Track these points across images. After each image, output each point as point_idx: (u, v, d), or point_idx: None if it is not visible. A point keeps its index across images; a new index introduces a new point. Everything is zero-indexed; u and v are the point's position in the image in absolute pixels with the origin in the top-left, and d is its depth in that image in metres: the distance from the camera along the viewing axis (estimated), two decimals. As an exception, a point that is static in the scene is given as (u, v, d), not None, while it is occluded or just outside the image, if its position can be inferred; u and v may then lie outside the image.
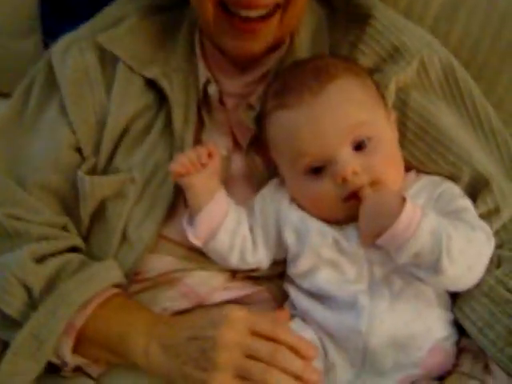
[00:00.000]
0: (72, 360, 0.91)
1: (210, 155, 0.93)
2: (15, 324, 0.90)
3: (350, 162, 0.87)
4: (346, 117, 0.89)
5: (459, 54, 1.07)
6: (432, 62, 0.99)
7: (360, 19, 1.01)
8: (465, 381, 0.87)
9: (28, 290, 0.91)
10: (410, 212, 0.84)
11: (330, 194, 0.89)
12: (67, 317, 0.88)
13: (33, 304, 0.90)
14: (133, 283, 0.95)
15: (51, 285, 0.92)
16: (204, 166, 0.92)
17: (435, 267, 0.84)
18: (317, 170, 0.89)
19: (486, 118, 1.01)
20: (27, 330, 0.88)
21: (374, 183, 0.88)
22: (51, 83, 1.06)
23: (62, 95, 1.03)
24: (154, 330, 0.89)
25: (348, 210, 0.89)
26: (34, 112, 1.07)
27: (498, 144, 1.01)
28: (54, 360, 0.91)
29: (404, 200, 0.85)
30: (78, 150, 1.01)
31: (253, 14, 0.92)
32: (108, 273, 0.94)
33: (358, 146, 0.89)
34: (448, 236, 0.84)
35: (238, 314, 0.87)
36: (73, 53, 1.04)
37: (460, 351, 0.90)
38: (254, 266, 0.95)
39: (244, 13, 0.92)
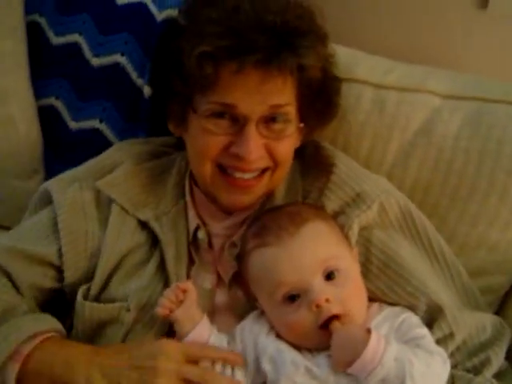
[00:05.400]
0: None
1: (184, 291, 1.04)
2: None
3: (323, 291, 0.99)
4: (317, 252, 1.02)
5: (413, 196, 1.25)
6: (390, 205, 1.12)
7: (326, 168, 1.16)
8: None
9: None
10: (375, 343, 0.94)
11: (305, 321, 0.99)
12: (18, 341, 0.99)
13: None
14: None
15: (4, 317, 1.04)
16: (182, 302, 1.04)
17: None
18: (293, 298, 1.00)
19: (439, 250, 1.14)
20: None
21: (343, 316, 0.98)
22: (46, 202, 1.18)
23: (57, 215, 1.13)
24: (95, 359, 0.99)
25: (322, 337, 0.99)
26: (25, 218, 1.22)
27: (451, 274, 1.14)
28: None
29: (369, 332, 0.95)
30: (55, 268, 1.12)
31: (247, 175, 1.08)
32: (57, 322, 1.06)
33: (329, 276, 1.01)
34: (410, 362, 0.94)
35: (171, 344, 0.99)
36: (73, 188, 1.16)
37: None
38: None
39: (238, 175, 1.08)
